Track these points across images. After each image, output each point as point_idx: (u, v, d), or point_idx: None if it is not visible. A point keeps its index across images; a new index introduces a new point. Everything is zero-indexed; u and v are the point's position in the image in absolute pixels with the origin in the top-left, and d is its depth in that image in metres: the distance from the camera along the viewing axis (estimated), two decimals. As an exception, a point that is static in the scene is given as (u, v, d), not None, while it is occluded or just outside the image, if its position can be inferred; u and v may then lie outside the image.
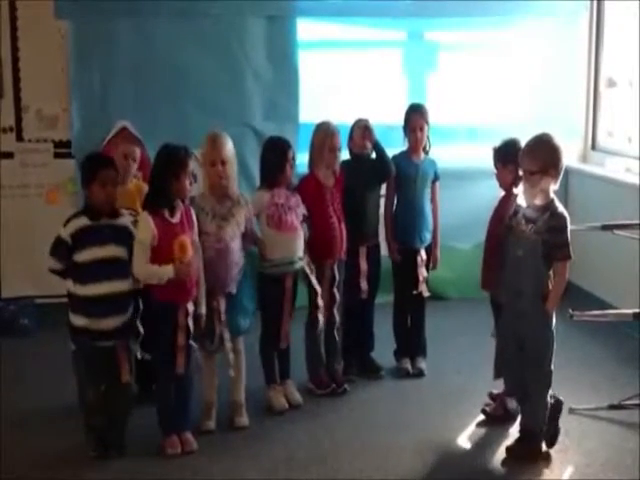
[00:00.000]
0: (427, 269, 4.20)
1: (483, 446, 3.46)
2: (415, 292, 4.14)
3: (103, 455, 3.33)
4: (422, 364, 4.21)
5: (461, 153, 5.37)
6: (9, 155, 4.94)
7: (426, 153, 4.21)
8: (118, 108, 4.97)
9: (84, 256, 3.22)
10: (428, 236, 4.18)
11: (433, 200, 4.22)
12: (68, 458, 3.36)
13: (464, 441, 3.49)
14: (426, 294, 4.19)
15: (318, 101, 5.34)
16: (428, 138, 4.18)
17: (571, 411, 3.61)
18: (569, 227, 3.21)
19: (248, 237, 3.60)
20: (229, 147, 3.56)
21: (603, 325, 4.20)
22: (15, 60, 4.93)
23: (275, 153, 3.71)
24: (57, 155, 4.97)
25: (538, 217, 3.21)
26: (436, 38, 5.56)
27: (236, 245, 3.50)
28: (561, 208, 3.24)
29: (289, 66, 5.23)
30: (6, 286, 5.01)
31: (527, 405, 3.35)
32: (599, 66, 5.49)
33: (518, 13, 5.35)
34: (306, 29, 5.29)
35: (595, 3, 5.46)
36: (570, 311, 3.67)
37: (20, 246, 4.95)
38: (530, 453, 3.32)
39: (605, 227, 3.98)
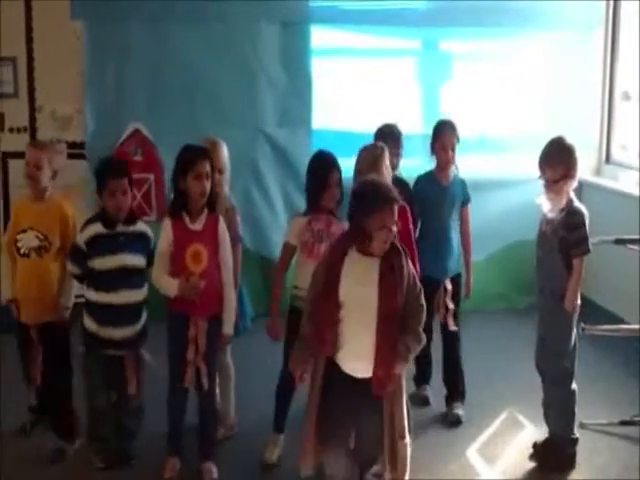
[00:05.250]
0: (454, 301, 3.84)
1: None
2: (442, 326, 3.84)
3: (109, 465, 3.29)
4: (459, 410, 3.81)
5: (474, 163, 5.33)
6: (23, 155, 4.91)
7: (454, 172, 3.84)
8: (131, 110, 4.98)
9: (96, 264, 3.19)
10: (454, 266, 3.85)
11: (464, 224, 3.88)
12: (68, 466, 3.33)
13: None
14: (452, 328, 3.83)
15: (331, 108, 5.34)
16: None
17: (582, 426, 3.59)
18: (587, 223, 3.24)
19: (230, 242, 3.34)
20: (226, 154, 3.51)
21: (615, 340, 4.17)
22: (30, 60, 4.95)
23: (316, 175, 3.31)
24: (70, 156, 4.96)
25: (556, 216, 3.25)
26: (450, 48, 5.55)
27: None
28: (578, 205, 3.27)
29: (302, 72, 5.23)
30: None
31: (551, 409, 3.38)
32: (614, 79, 5.47)
33: (533, 25, 5.34)
34: (320, 36, 5.29)
35: (610, 16, 5.45)
36: (582, 325, 3.64)
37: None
38: (556, 457, 3.35)
39: (618, 241, 3.98)
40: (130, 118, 4.95)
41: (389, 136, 3.76)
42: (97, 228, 3.21)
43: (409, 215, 3.38)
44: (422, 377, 3.99)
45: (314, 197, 3.30)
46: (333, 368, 2.69)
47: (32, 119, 4.99)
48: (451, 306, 3.81)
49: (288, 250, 3.36)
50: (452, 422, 3.76)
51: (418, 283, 2.72)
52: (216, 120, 4.93)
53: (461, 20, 5.26)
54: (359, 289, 2.64)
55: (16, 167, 4.92)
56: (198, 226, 3.17)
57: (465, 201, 3.85)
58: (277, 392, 3.39)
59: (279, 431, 3.42)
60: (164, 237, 3.15)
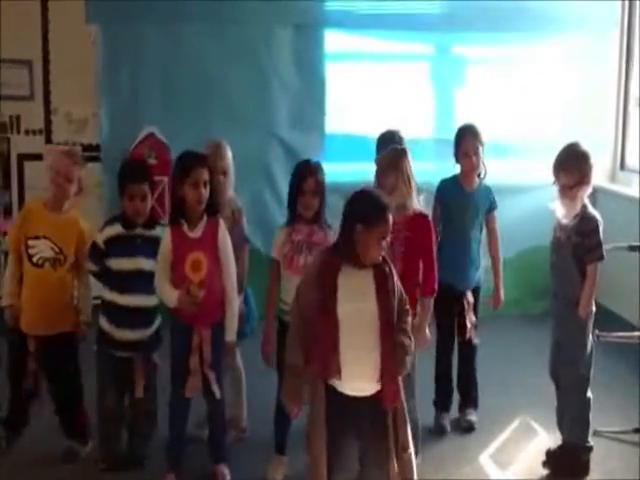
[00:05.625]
0: (475, 313, 3.72)
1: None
2: (461, 340, 3.72)
3: (112, 467, 3.27)
4: (472, 416, 3.75)
5: (488, 169, 5.33)
6: (38, 157, 4.97)
7: (480, 178, 3.71)
8: (146, 114, 5.01)
9: (113, 264, 3.20)
10: (475, 277, 3.71)
11: (492, 233, 3.73)
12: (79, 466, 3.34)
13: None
14: (476, 341, 3.72)
15: (344, 112, 5.34)
16: (483, 162, 3.69)
17: (596, 433, 3.56)
18: (600, 229, 3.22)
19: (236, 244, 3.29)
20: (230, 156, 3.47)
21: (629, 347, 4.14)
22: (45, 63, 4.99)
23: (291, 183, 3.20)
24: (85, 159, 4.98)
25: (570, 222, 3.24)
26: (464, 52, 5.54)
27: None
28: (592, 211, 3.26)
29: (316, 76, 5.24)
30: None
31: (566, 417, 3.36)
32: (629, 84, 5.45)
33: (547, 29, 5.32)
34: (334, 40, 5.30)
35: (626, 21, 5.42)
36: (596, 332, 3.62)
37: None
38: (569, 464, 3.34)
39: (632, 248, 3.96)
40: (144, 121, 4.98)
41: (390, 142, 3.51)
42: (117, 229, 3.22)
43: (430, 224, 3.22)
44: (442, 403, 3.79)
45: (291, 206, 3.20)
46: (330, 393, 2.53)
47: (47, 121, 5.03)
48: (474, 319, 3.68)
49: (274, 265, 3.24)
50: (465, 428, 3.71)
51: (399, 285, 2.61)
52: (229, 123, 4.94)
53: (474, 24, 5.26)
54: (358, 305, 2.51)
55: (31, 169, 4.99)
56: (197, 233, 3.11)
57: (490, 209, 3.71)
58: (275, 415, 3.27)
59: (281, 453, 3.33)
60: (164, 245, 3.11)
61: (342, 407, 2.53)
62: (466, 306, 3.65)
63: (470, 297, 3.68)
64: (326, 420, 2.52)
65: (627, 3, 5.40)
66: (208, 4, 4.94)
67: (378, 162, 3.22)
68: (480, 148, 3.62)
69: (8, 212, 5.06)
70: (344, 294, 2.49)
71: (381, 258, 2.53)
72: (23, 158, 5.04)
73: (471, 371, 3.79)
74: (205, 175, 3.08)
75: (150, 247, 3.17)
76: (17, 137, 5.02)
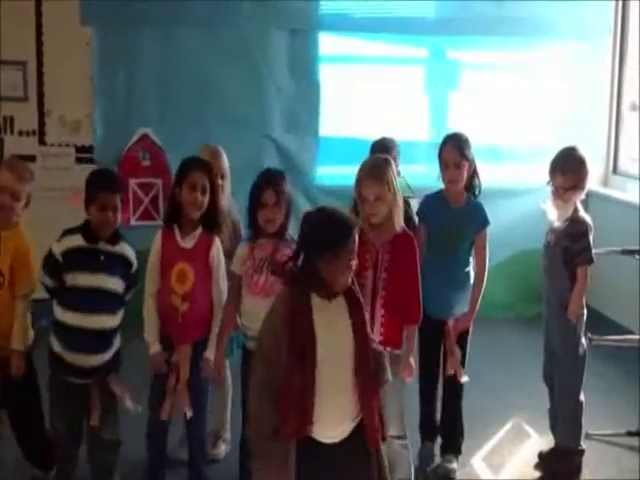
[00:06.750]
0: (462, 345, 3.26)
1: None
2: (445, 377, 3.29)
3: None
4: (453, 464, 3.32)
5: (480, 172, 5.33)
6: (31, 158, 4.96)
7: (471, 194, 3.27)
8: (140, 115, 5.00)
9: (70, 280, 2.84)
10: (461, 305, 3.26)
11: (478, 253, 3.23)
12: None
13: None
14: (463, 379, 3.25)
15: (339, 115, 5.35)
16: (476, 176, 3.27)
17: (588, 436, 3.57)
18: (590, 232, 3.23)
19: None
20: (226, 161, 3.39)
21: (622, 350, 4.15)
22: (40, 65, 4.97)
23: (250, 194, 2.90)
24: (79, 160, 4.99)
25: (560, 225, 3.25)
26: (458, 57, 5.55)
27: None
28: (582, 214, 3.26)
29: (310, 79, 5.25)
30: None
31: (559, 420, 3.37)
32: (622, 90, 5.48)
33: (541, 34, 5.35)
34: (329, 43, 5.31)
35: (619, 26, 5.45)
36: (589, 335, 3.63)
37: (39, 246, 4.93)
38: (562, 467, 3.35)
39: (625, 252, 3.97)
40: (139, 123, 4.98)
41: (381, 151, 3.35)
42: (77, 241, 2.86)
43: (414, 244, 2.93)
44: (425, 434, 3.43)
45: (251, 220, 2.91)
46: (301, 445, 2.18)
47: (41, 123, 5.01)
48: (459, 353, 3.23)
49: (234, 281, 2.96)
50: (442, 476, 3.30)
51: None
52: (224, 125, 4.95)
53: (469, 29, 5.28)
54: (336, 344, 2.19)
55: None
56: (189, 244, 2.95)
57: (480, 228, 3.23)
58: (241, 453, 3.01)
59: None
60: (154, 250, 2.96)
61: (316, 459, 2.21)
62: (450, 337, 3.21)
63: (454, 328, 3.25)
64: (299, 477, 2.19)
65: (620, 9, 5.43)
66: (203, 6, 4.94)
67: (358, 171, 2.93)
68: (464, 161, 3.18)
69: (1, 213, 5.04)
70: (322, 335, 2.17)
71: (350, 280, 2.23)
72: (16, 159, 5.04)
73: (455, 415, 3.35)
74: (204, 180, 2.94)
75: (114, 264, 2.87)
76: (10, 138, 5.00)
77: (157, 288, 2.97)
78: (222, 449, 3.45)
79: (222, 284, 3.01)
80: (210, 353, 2.97)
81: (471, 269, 3.27)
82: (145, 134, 4.96)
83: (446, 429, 3.38)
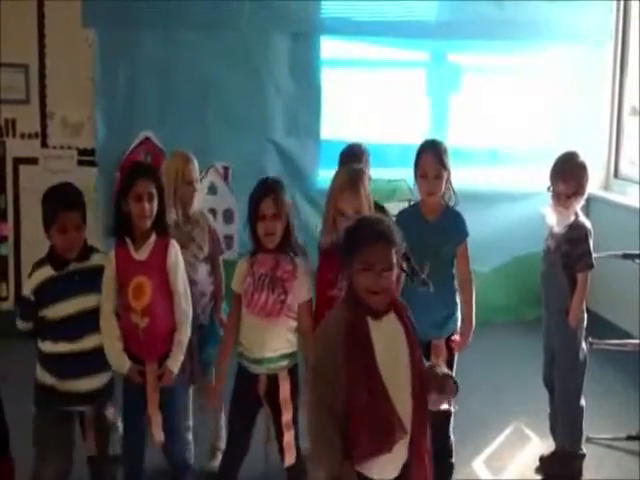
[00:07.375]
0: (450, 364, 2.98)
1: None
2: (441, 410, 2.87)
3: None
4: None
5: (481, 175, 5.36)
6: (33, 161, 4.97)
7: (445, 205, 3.06)
8: (142, 118, 5.00)
9: (51, 314, 2.70)
10: (448, 323, 3.06)
11: (461, 264, 3.05)
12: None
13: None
14: (450, 408, 2.77)
15: (340, 118, 5.35)
16: (451, 188, 3.06)
17: (588, 440, 3.57)
18: (590, 237, 3.23)
19: (215, 260, 3.14)
20: (197, 165, 3.29)
21: (622, 354, 4.15)
22: (42, 67, 4.98)
23: (248, 206, 2.75)
24: (81, 162, 5.00)
25: (560, 230, 3.25)
26: (459, 60, 5.56)
27: (201, 274, 3.15)
28: (582, 219, 3.27)
29: (312, 83, 5.24)
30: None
31: (559, 424, 3.37)
32: (623, 94, 5.48)
33: (542, 38, 5.35)
34: (330, 47, 5.31)
35: (620, 31, 5.46)
36: (590, 339, 3.63)
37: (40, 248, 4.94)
38: (562, 471, 3.35)
39: (626, 256, 3.96)
40: (141, 126, 4.98)
41: (351, 160, 3.23)
42: (46, 272, 2.71)
43: None
44: None
45: (251, 233, 2.74)
46: None
47: (43, 125, 5.02)
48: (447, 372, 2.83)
49: (234, 300, 2.80)
50: None
51: None
52: (225, 128, 4.97)
53: (470, 33, 5.28)
54: (394, 366, 2.05)
55: (27, 172, 4.99)
56: (142, 255, 2.76)
57: (460, 241, 3.04)
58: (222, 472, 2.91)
59: None
60: (108, 267, 2.75)
61: None
62: (433, 360, 2.91)
63: (440, 349, 3.01)
64: None
65: (621, 14, 5.44)
66: (205, 9, 4.95)
67: (333, 185, 2.80)
68: (444, 170, 2.98)
69: (3, 216, 5.05)
70: (381, 353, 2.03)
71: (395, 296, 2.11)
72: (18, 162, 5.03)
73: (443, 444, 3.04)
74: (150, 188, 2.75)
75: (90, 280, 2.73)
76: (13, 141, 5.01)
77: (114, 306, 2.77)
78: (219, 461, 3.34)
79: (181, 287, 2.81)
80: (172, 363, 2.78)
81: (455, 283, 3.08)
82: (147, 137, 4.96)
83: (437, 451, 3.04)
